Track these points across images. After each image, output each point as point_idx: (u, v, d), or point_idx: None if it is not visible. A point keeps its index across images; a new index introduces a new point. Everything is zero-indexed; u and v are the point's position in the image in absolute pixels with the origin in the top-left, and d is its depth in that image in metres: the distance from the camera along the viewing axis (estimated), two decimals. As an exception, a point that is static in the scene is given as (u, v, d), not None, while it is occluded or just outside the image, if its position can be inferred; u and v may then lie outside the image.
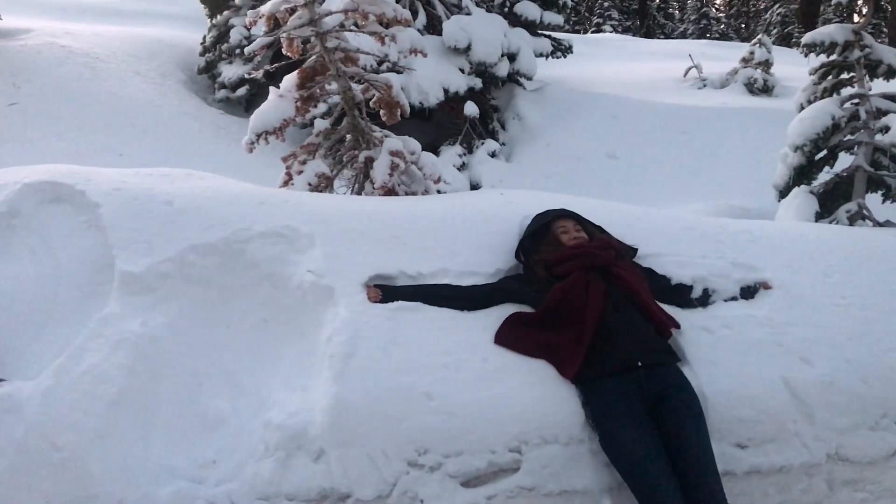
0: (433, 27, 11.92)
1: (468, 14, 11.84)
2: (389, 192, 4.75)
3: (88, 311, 3.09)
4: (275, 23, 4.59)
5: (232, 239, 3.42)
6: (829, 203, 5.87)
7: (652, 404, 2.96)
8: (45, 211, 3.43)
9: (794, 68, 13.55)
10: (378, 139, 4.96)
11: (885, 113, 5.58)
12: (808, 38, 6.00)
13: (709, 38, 34.72)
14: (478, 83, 11.53)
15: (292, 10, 4.57)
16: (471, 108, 11.37)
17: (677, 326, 3.27)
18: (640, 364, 2.99)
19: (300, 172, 4.81)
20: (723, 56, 17.21)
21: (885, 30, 26.61)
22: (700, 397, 3.03)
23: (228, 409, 3.00)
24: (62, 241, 3.35)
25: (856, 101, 5.76)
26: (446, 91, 11.07)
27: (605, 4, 36.71)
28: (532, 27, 12.84)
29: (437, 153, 10.66)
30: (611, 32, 31.20)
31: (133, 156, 9.63)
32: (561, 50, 13.46)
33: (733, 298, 3.60)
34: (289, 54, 4.61)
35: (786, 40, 30.97)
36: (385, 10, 4.59)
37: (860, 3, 6.01)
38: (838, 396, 3.21)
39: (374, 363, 2.98)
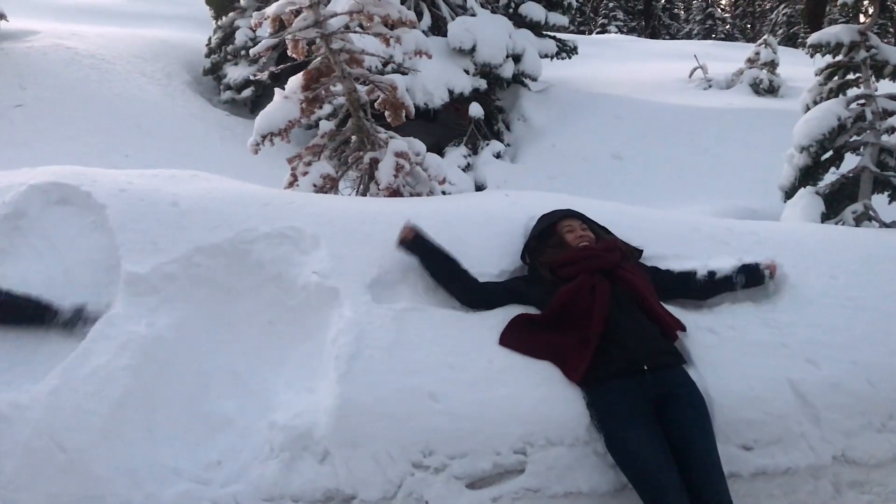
0: (438, 28, 11.94)
1: (473, 15, 11.86)
2: (394, 193, 4.75)
3: (94, 312, 3.09)
4: (280, 24, 4.60)
5: (237, 240, 3.42)
6: (835, 204, 5.86)
7: (657, 406, 2.95)
8: (51, 212, 3.43)
9: (799, 69, 13.50)
10: (383, 140, 4.96)
11: (892, 113, 5.57)
12: (813, 38, 5.99)
13: (714, 38, 34.72)
14: (483, 84, 11.54)
15: (297, 12, 4.58)
16: (476, 110, 11.38)
17: (683, 329, 3.27)
18: (645, 367, 2.99)
19: (305, 174, 4.82)
20: (728, 56, 17.19)
21: (891, 30, 26.57)
22: (705, 398, 3.03)
23: (234, 410, 3.00)
24: (68, 242, 3.35)
25: (862, 101, 5.75)
26: (451, 92, 11.09)
27: (610, 5, 36.69)
28: (537, 28, 12.86)
29: (441, 154, 10.67)
30: (616, 33, 31.18)
31: (139, 157, 9.65)
32: (566, 51, 13.47)
33: (735, 274, 3.57)
34: (294, 56, 4.62)
35: (791, 41, 30.90)
36: (390, 11, 4.59)
37: (866, 3, 6.00)
38: (844, 398, 3.19)
39: (379, 364, 2.98)
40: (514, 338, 3.18)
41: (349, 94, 4.89)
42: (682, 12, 42.44)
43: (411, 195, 4.94)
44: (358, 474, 2.78)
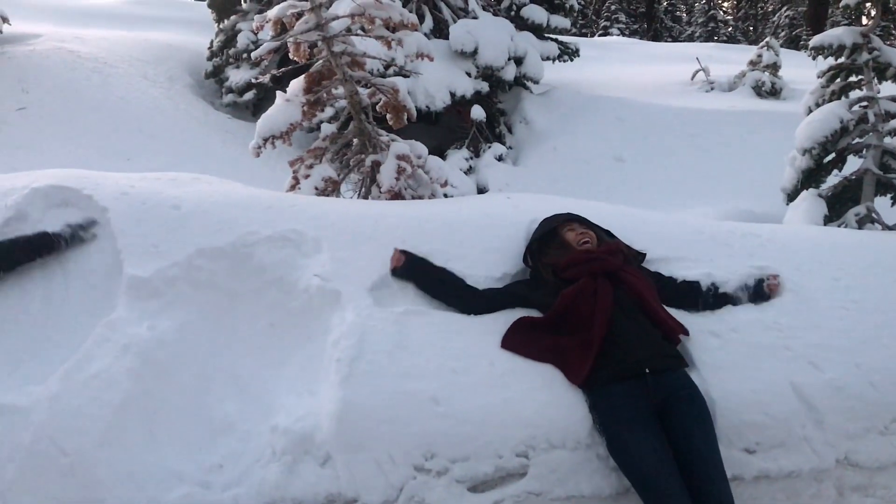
0: (440, 31, 11.94)
1: (475, 18, 11.86)
2: (396, 196, 4.75)
3: (96, 316, 3.09)
4: (281, 27, 4.59)
5: (239, 243, 3.42)
6: (837, 206, 5.85)
7: (660, 409, 2.94)
8: (52, 215, 3.43)
9: (802, 71, 13.49)
10: (385, 143, 4.96)
11: (894, 116, 5.55)
12: (815, 40, 5.98)
13: (716, 40, 34.68)
14: (484, 87, 11.53)
15: (299, 15, 4.58)
16: (477, 112, 11.38)
17: (686, 333, 3.26)
18: (647, 370, 2.98)
19: (307, 177, 4.81)
20: (730, 59, 17.18)
21: (894, 32, 26.53)
22: (708, 402, 3.02)
23: (235, 413, 3.00)
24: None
25: (864, 103, 5.74)
26: (453, 95, 11.09)
27: (613, 8, 36.69)
28: (539, 31, 12.85)
29: (443, 157, 10.67)
30: (618, 35, 31.16)
31: (141, 160, 9.66)
32: (568, 53, 13.47)
33: (741, 290, 3.58)
34: (296, 59, 4.62)
35: (794, 43, 30.89)
36: (391, 14, 4.59)
37: (868, 5, 5.98)
38: (848, 401, 3.19)
39: (380, 367, 2.97)
40: (516, 341, 3.17)
41: (351, 97, 4.89)
42: (685, 15, 42.41)
43: (413, 198, 4.93)
44: (359, 478, 2.77)
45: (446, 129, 12.04)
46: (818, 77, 6.19)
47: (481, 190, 10.43)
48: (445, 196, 5.22)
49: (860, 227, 5.52)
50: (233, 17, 13.40)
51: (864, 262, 3.94)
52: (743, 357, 3.25)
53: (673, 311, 3.34)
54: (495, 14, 12.44)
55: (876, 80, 5.80)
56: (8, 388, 2.84)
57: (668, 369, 3.04)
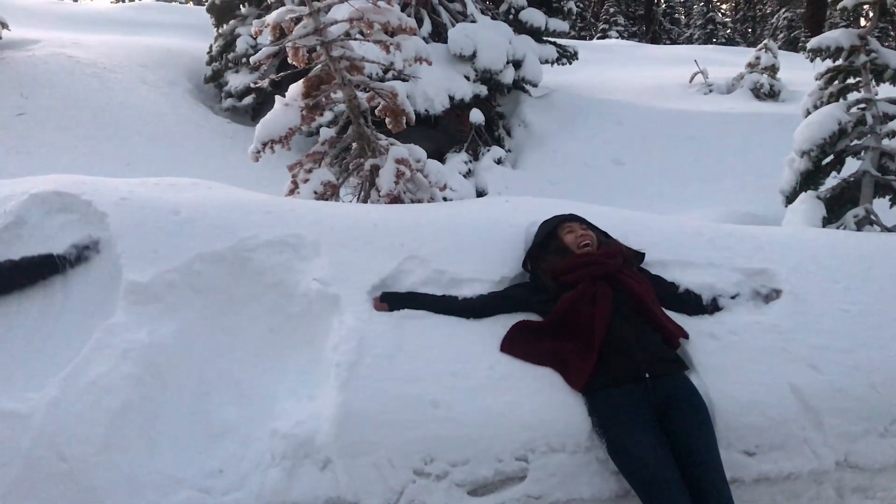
0: (438, 35, 11.96)
1: (473, 21, 11.88)
2: (395, 199, 4.75)
3: (95, 321, 3.09)
4: (280, 32, 4.60)
5: (238, 248, 3.42)
6: (836, 208, 5.86)
7: (659, 412, 2.94)
8: (52, 221, 3.43)
9: (800, 73, 13.53)
10: (384, 147, 4.96)
11: (892, 117, 5.58)
12: (813, 43, 6.00)
13: (715, 43, 34.73)
14: (483, 90, 11.55)
15: (298, 20, 4.59)
16: (476, 116, 11.40)
17: (686, 336, 3.25)
18: (647, 375, 2.99)
19: (306, 181, 4.82)
20: (729, 61, 17.23)
21: (892, 33, 26.57)
22: (707, 404, 3.02)
23: (235, 418, 3.00)
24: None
25: (862, 105, 5.76)
26: (452, 98, 11.10)
27: (611, 10, 36.73)
28: (537, 34, 12.87)
29: (443, 160, 10.67)
30: (617, 38, 31.19)
31: (140, 165, 9.68)
32: (566, 56, 13.49)
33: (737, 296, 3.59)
34: (294, 63, 4.62)
35: (792, 45, 30.92)
36: (390, 18, 4.59)
37: (866, 7, 5.99)
38: (847, 403, 3.18)
39: (380, 371, 2.98)
40: (516, 345, 3.17)
41: (349, 101, 4.89)
42: (683, 17, 42.46)
43: (412, 202, 4.93)
44: (359, 482, 2.77)
45: (445, 132, 12.05)
46: (816, 79, 6.21)
47: (480, 193, 10.43)
48: (445, 199, 5.23)
49: (859, 229, 5.53)
50: (232, 22, 13.41)
51: (862, 264, 3.94)
52: (742, 359, 3.25)
53: (671, 314, 3.34)
54: (493, 17, 12.47)
55: (874, 82, 5.81)
56: (7, 394, 2.84)
57: (668, 373, 3.04)
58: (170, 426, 2.92)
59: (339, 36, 4.71)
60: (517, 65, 11.92)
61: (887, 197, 5.76)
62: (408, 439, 2.84)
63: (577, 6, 13.59)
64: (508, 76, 11.70)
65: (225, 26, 13.51)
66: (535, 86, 12.65)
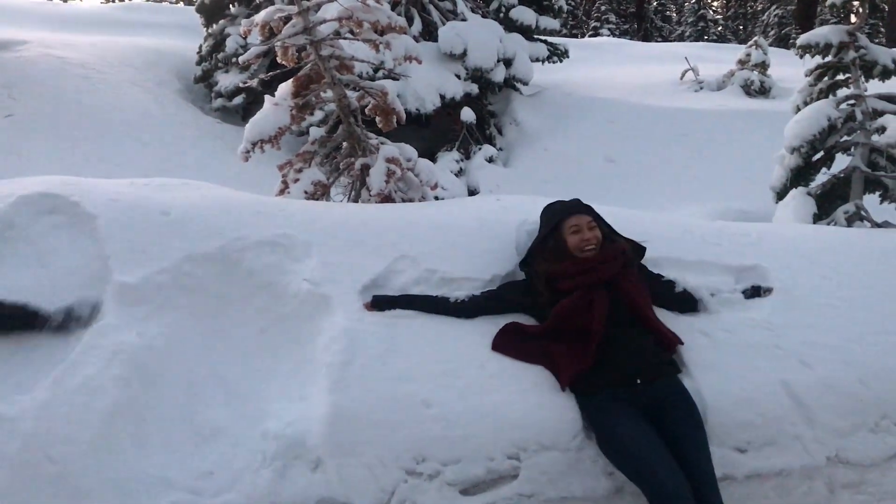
0: (429, 33, 11.96)
1: (464, 20, 11.88)
2: (386, 199, 4.74)
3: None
4: (270, 31, 4.59)
5: (228, 248, 3.41)
6: (826, 204, 5.87)
7: (652, 415, 2.95)
8: (40, 222, 3.41)
9: (791, 69, 13.55)
10: (374, 146, 4.95)
11: (881, 113, 5.58)
12: (802, 39, 6.01)
13: (706, 40, 34.78)
14: (474, 89, 11.56)
15: (287, 19, 4.57)
16: (468, 114, 11.40)
17: (681, 343, 3.23)
18: (638, 381, 2.99)
19: (296, 181, 4.81)
20: (720, 58, 17.26)
21: (882, 30, 26.68)
22: (699, 401, 3.03)
23: (225, 419, 2.98)
24: (57, 252, 3.33)
25: (852, 101, 5.77)
26: (443, 97, 11.10)
27: (603, 8, 36.78)
28: (528, 32, 12.88)
29: (434, 159, 10.67)
30: (608, 36, 31.23)
31: (130, 166, 9.63)
32: (557, 54, 13.51)
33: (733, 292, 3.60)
34: (284, 63, 4.61)
35: (783, 41, 31.00)
36: (379, 17, 4.58)
37: (856, 3, 6.01)
38: (838, 399, 3.20)
39: (371, 371, 2.97)
40: (507, 343, 3.16)
41: (339, 101, 4.88)
42: (675, 14, 42.53)
43: (403, 201, 4.93)
44: (351, 482, 2.76)
45: (437, 131, 12.05)
46: (806, 76, 6.23)
47: (472, 192, 10.44)
48: (436, 199, 5.22)
49: (849, 225, 5.54)
50: (221, 22, 13.38)
51: (853, 260, 3.95)
52: (733, 356, 3.26)
53: (666, 314, 3.35)
54: (484, 16, 12.47)
55: (863, 78, 5.83)
56: (-4, 397, 2.82)
57: (660, 377, 3.05)
58: (160, 428, 2.90)
59: (328, 35, 4.70)
60: (508, 63, 11.93)
61: (877, 193, 5.77)
62: (399, 439, 2.83)
63: (569, 4, 13.62)
64: (499, 74, 11.71)
65: (214, 26, 13.48)
66: (526, 84, 12.66)
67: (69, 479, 2.64)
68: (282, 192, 4.89)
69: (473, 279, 3.46)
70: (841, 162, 5.97)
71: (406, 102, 10.37)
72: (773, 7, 36.09)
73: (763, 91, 14.13)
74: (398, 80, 9.49)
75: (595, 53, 19.75)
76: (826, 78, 6.06)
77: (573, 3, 33.51)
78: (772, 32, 34.08)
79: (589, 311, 3.11)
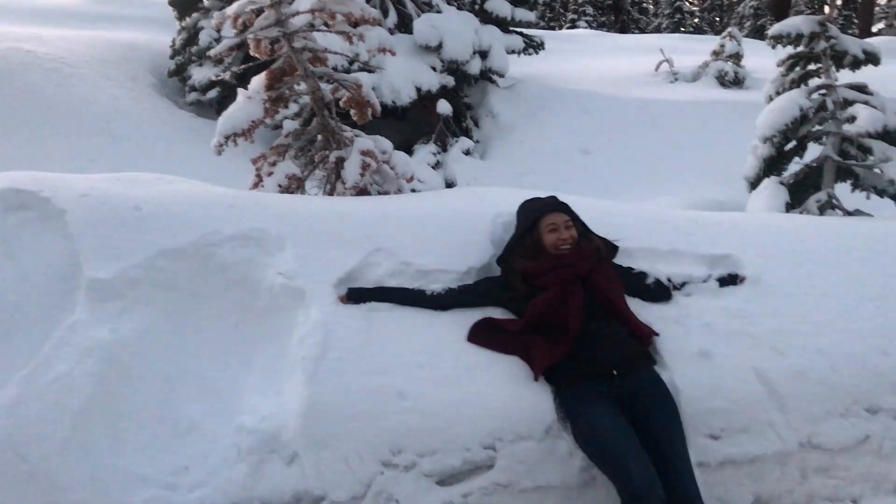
0: (404, 25, 11.92)
1: (439, 12, 11.86)
2: (361, 191, 4.73)
3: (55, 320, 3.04)
4: (243, 24, 4.54)
5: (201, 243, 3.38)
6: (799, 193, 5.92)
7: (628, 407, 2.97)
8: (8, 219, 3.37)
9: (765, 60, 13.61)
10: (349, 139, 4.93)
11: (852, 103, 5.63)
12: (774, 29, 6.06)
13: (683, 31, 34.97)
14: (450, 81, 11.54)
15: (259, 11, 4.53)
16: (444, 107, 11.38)
17: (656, 335, 3.26)
18: (615, 372, 3.02)
19: (270, 174, 4.77)
20: (696, 49, 17.34)
21: (855, 21, 26.94)
22: (673, 390, 3.05)
23: (200, 414, 2.97)
24: (27, 249, 3.29)
25: (823, 91, 5.82)
26: (419, 89, 11.08)
27: (580, 0, 36.82)
28: (503, 24, 12.89)
29: (411, 152, 10.65)
30: (585, 28, 31.29)
31: (104, 161, 9.52)
32: (533, 46, 13.53)
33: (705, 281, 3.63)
34: (256, 55, 4.57)
35: (759, 33, 31.19)
36: (352, 9, 4.55)
37: (827, -6, 6.07)
38: (810, 385, 3.23)
39: (346, 364, 2.97)
40: (483, 335, 3.18)
41: (313, 93, 4.85)
42: (651, 6, 42.69)
43: (379, 194, 4.91)
44: (327, 475, 2.76)
45: (413, 124, 12.03)
46: (778, 66, 6.27)
47: (449, 184, 10.43)
48: (412, 191, 5.21)
49: (821, 214, 5.60)
50: (194, 15, 13.25)
51: (825, 249, 3.99)
52: (707, 344, 3.28)
53: (640, 304, 3.37)
54: (459, 8, 12.45)
55: (834, 68, 5.88)
56: (-34, 396, 2.78)
57: (636, 369, 3.07)
58: (134, 424, 2.88)
59: (301, 27, 4.66)
60: (483, 55, 11.93)
61: (848, 181, 5.83)
62: (375, 431, 2.83)
63: (544, -4, 13.61)
64: (475, 67, 11.71)
65: (188, 19, 13.34)
66: (502, 76, 12.67)
67: (42, 476, 2.62)
68: (256, 185, 4.85)
69: (449, 271, 3.46)
70: (813, 151, 6.03)
71: (382, 95, 10.34)
72: (748, -2, 36.34)
73: (737, 82, 14.23)
74: (373, 72, 9.47)
75: (571, 45, 19.80)
76: (798, 68, 6.10)
77: (549, -4, 33.56)
78: (747, 24, 34.33)
79: (565, 306, 3.15)
